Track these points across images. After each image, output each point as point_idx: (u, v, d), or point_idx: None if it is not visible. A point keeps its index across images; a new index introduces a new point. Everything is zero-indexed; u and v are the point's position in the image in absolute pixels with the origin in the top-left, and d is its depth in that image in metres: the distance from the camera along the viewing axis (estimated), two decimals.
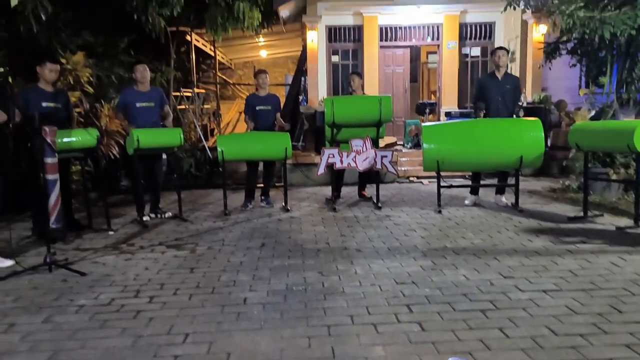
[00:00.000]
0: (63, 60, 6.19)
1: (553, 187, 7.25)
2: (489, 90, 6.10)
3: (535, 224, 5.17)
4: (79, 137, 4.95)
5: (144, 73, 5.66)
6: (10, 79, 5.37)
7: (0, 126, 3.97)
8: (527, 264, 3.83)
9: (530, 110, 8.26)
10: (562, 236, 4.62)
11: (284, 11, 10.41)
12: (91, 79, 6.68)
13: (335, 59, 11.09)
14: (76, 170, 6.00)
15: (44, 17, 5.16)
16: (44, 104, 4.79)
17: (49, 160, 4.36)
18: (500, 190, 6.28)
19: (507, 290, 3.29)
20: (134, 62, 6.25)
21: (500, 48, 6.25)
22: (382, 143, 7.17)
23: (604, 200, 6.11)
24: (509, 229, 4.95)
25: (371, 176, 6.58)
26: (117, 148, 6.72)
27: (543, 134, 5.68)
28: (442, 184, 5.99)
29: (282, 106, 7.48)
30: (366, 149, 6.08)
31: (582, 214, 5.31)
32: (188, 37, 10.79)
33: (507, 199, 6.16)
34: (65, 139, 4.75)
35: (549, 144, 8.17)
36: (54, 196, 4.45)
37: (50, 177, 4.39)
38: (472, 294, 3.26)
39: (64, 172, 4.85)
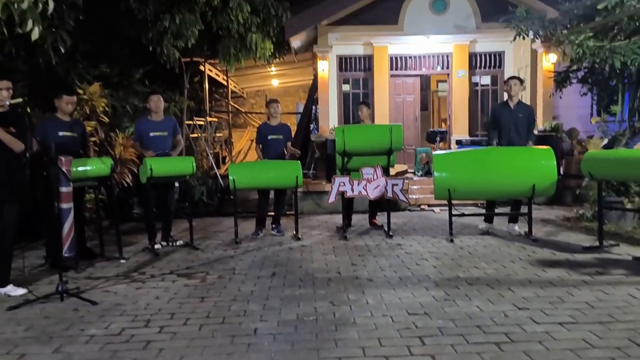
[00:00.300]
0: (80, 91, 6.34)
1: (567, 215, 7.16)
2: (502, 119, 6.14)
3: (549, 253, 5.09)
4: (93, 166, 5.03)
5: (157, 103, 5.80)
6: (28, 109, 5.50)
7: (18, 155, 4.05)
8: (542, 295, 3.76)
9: (541, 139, 8.25)
10: (577, 267, 4.55)
11: (296, 42, 10.61)
12: (106, 108, 6.82)
13: (346, 87, 11.22)
14: (90, 199, 6.07)
15: (62, 50, 5.32)
16: (61, 133, 4.90)
17: (64, 189, 4.43)
18: (513, 219, 6.22)
19: (522, 322, 3.23)
20: (148, 92, 6.40)
21: (513, 77, 6.30)
22: (392, 171, 7.17)
23: (620, 230, 6.01)
24: (522, 259, 4.88)
25: (382, 204, 6.56)
26: (130, 176, 6.80)
27: (555, 163, 5.65)
28: (453, 212, 5.95)
29: (293, 135, 7.56)
30: (377, 177, 6.08)
31: (597, 243, 5.22)
32: (201, 67, 11.02)
33: (520, 227, 6.10)
34: (80, 168, 4.83)
35: (561, 172, 8.11)
36: (68, 225, 4.50)
37: (64, 205, 4.45)
38: (486, 325, 3.20)
39: (77, 200, 4.92)
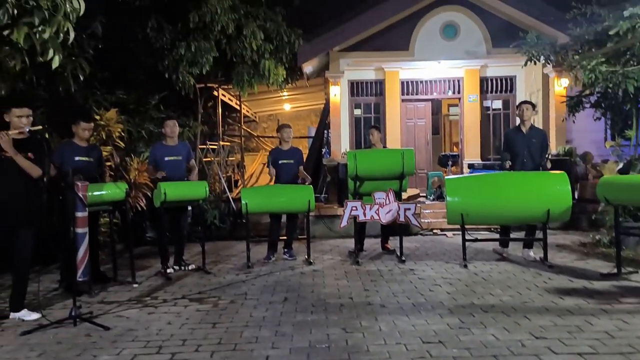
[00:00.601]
0: (97, 117, 6.47)
1: (583, 241, 7.04)
2: (515, 144, 6.13)
3: (566, 280, 4.99)
4: (109, 191, 5.09)
5: (173, 128, 5.91)
6: (47, 135, 5.61)
7: (36, 180, 4.13)
8: (559, 324, 3.68)
9: (555, 163, 8.20)
10: (595, 294, 4.45)
11: (308, 67, 10.77)
12: (122, 134, 6.94)
13: (357, 112, 11.31)
14: (104, 223, 6.13)
15: (81, 78, 5.47)
16: (77, 158, 4.99)
17: (80, 214, 4.48)
18: (528, 245, 6.13)
19: (539, 352, 3.15)
20: (163, 118, 6.52)
21: (525, 102, 6.31)
22: (404, 196, 7.14)
23: (638, 256, 5.90)
24: (538, 286, 4.79)
25: (394, 228, 6.53)
26: (144, 200, 6.87)
27: (570, 187, 5.59)
28: (467, 237, 5.89)
29: (305, 159, 7.60)
30: (389, 202, 6.07)
31: (615, 270, 5.11)
32: (215, 93, 11.21)
33: (535, 253, 6.01)
34: (95, 193, 4.89)
35: (576, 196, 8.02)
36: (83, 249, 4.54)
37: (80, 230, 4.49)
38: (503, 355, 3.13)
39: (92, 224, 4.97)
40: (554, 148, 9.62)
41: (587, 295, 4.41)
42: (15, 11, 3.89)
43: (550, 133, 9.89)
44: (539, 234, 5.99)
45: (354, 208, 6.11)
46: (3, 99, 4.85)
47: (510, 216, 5.78)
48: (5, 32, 4.02)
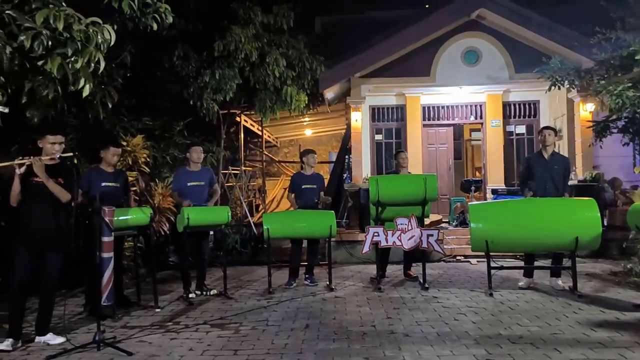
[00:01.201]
0: (124, 143, 6.64)
1: (614, 270, 6.81)
2: (536, 170, 6.02)
3: (597, 311, 4.82)
4: (134, 216, 5.17)
5: (199, 154, 6.04)
6: (75, 161, 5.76)
7: (65, 204, 4.22)
8: (592, 357, 3.54)
9: (582, 189, 8.02)
10: (628, 326, 4.28)
11: (329, 93, 10.87)
12: (148, 159, 7.08)
13: (378, 137, 11.32)
14: (128, 247, 6.21)
15: (110, 105, 5.63)
16: (103, 184, 5.11)
17: (106, 238, 4.56)
18: (555, 273, 5.96)
19: None
20: (188, 144, 6.64)
21: (547, 128, 6.22)
22: (427, 221, 7.06)
23: None
24: (568, 316, 4.64)
25: (417, 254, 6.44)
26: (167, 225, 6.95)
27: (599, 214, 5.44)
28: (492, 264, 5.76)
29: (326, 184, 7.61)
30: (411, 228, 6.01)
31: None
32: (238, 118, 11.40)
33: (563, 282, 5.83)
34: (121, 217, 4.98)
35: (605, 223, 7.79)
36: (108, 274, 4.60)
37: (105, 255, 4.56)
38: None
39: (116, 249, 5.03)
40: (580, 174, 9.42)
41: (620, 327, 4.24)
42: (50, 42, 4.06)
43: (577, 158, 9.72)
44: (566, 262, 5.83)
45: (375, 234, 6.06)
46: (35, 126, 5.02)
47: (537, 243, 5.64)
48: (40, 62, 4.18)
